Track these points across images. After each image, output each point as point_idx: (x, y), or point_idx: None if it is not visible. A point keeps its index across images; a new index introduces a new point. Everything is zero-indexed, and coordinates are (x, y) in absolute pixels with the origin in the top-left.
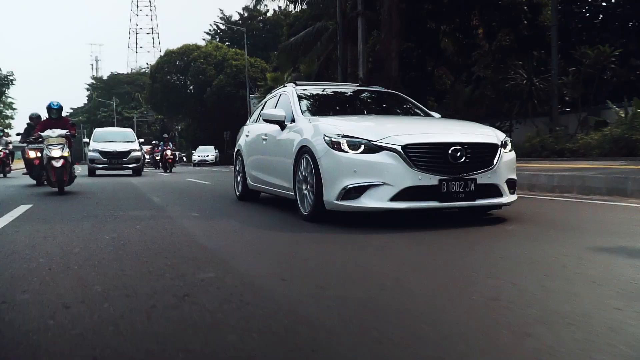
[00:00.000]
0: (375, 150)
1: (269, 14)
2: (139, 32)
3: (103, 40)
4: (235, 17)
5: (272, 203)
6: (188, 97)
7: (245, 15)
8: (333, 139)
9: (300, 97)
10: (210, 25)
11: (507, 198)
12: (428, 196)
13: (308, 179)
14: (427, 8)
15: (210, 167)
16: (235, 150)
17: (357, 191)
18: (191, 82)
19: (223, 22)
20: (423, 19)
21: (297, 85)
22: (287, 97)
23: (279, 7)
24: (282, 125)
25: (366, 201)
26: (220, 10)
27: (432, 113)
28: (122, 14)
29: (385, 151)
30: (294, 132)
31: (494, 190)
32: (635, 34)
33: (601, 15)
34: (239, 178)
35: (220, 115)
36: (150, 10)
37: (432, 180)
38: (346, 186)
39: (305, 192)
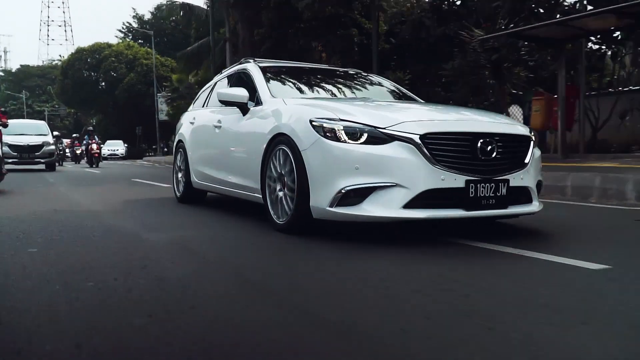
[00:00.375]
0: (383, 140)
1: (181, 14)
2: (51, 25)
3: (12, 31)
4: (148, 16)
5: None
6: (100, 93)
7: (158, 14)
8: (325, 125)
9: (265, 75)
10: (123, 23)
11: (537, 205)
12: (452, 202)
13: (286, 178)
14: (282, 34)
15: (116, 161)
16: (176, 141)
17: (358, 194)
18: (103, 79)
19: (135, 20)
20: (291, 39)
21: (255, 61)
22: (248, 75)
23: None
24: (244, 108)
25: (370, 208)
26: (133, 9)
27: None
28: (33, 5)
29: (397, 142)
30: (261, 118)
31: (524, 195)
32: (426, 62)
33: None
34: (179, 175)
35: (131, 112)
36: (63, 2)
37: (457, 181)
38: (344, 188)
39: (280, 194)
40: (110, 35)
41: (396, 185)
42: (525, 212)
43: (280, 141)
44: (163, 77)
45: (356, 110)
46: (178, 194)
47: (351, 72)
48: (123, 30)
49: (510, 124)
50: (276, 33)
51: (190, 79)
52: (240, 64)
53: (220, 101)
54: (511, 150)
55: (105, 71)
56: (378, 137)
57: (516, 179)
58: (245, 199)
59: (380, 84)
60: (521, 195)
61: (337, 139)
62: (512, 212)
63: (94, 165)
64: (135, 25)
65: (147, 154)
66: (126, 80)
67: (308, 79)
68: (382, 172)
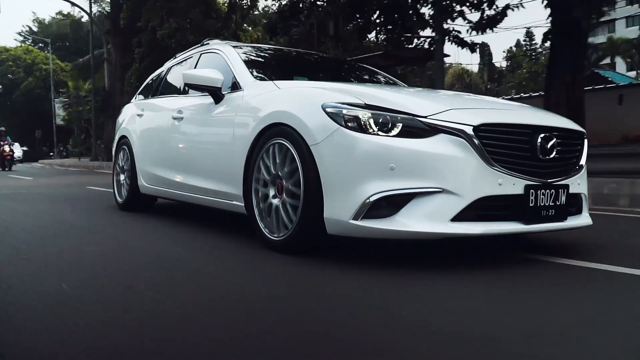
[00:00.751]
0: (424, 132)
1: (83, 20)
2: None
3: None
4: (49, 19)
5: None
6: None
7: (59, 18)
8: (345, 111)
9: (240, 55)
10: (23, 26)
11: (588, 216)
12: (509, 213)
13: (284, 181)
14: (161, 53)
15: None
16: (117, 137)
17: (391, 204)
18: None
19: (36, 24)
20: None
21: (225, 41)
22: (220, 57)
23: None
24: (217, 95)
25: (408, 221)
26: (33, 12)
27: None
28: None
29: (442, 134)
30: (243, 105)
31: (576, 205)
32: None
33: None
34: (122, 178)
35: (31, 115)
36: None
37: (516, 187)
38: (373, 195)
39: (274, 202)
40: (9, 38)
41: (443, 191)
42: (580, 224)
43: (275, 133)
44: (63, 82)
45: (384, 94)
46: (120, 200)
47: (344, 60)
48: (22, 34)
49: (563, 118)
50: (155, 52)
51: (86, 86)
52: (202, 45)
53: (188, 85)
54: (569, 148)
55: (1, 75)
56: (417, 127)
57: (574, 185)
58: (217, 208)
59: (372, 71)
60: (573, 205)
61: (364, 130)
62: (570, 225)
63: (6, 169)
64: (35, 29)
65: (46, 157)
66: (24, 84)
67: (294, 62)
68: (424, 174)
